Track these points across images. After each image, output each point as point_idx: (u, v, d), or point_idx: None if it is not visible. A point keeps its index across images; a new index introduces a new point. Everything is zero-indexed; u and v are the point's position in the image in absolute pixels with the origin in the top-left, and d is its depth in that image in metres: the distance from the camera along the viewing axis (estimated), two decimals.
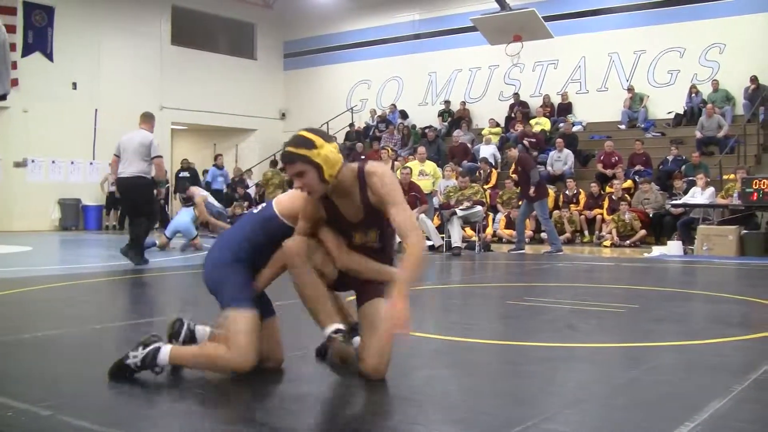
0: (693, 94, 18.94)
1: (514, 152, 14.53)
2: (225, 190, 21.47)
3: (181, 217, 13.77)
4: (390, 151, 19.20)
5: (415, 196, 13.90)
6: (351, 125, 24.80)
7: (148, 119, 10.64)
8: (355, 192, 3.61)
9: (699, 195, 14.50)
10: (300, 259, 3.59)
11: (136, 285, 8.64)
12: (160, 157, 10.50)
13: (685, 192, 15.22)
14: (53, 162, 21.06)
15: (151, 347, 3.62)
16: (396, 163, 17.72)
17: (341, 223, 3.69)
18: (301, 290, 3.66)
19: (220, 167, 20.91)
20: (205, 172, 22.32)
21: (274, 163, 21.82)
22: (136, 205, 10.50)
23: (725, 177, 15.71)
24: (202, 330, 4.02)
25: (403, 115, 23.51)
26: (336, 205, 3.65)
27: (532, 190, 13.56)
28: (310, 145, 3.53)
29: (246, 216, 4.08)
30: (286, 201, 3.85)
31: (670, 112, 19.41)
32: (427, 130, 21.55)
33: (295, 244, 3.63)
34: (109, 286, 8.55)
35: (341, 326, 3.65)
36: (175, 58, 23.91)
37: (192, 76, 23.88)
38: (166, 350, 3.62)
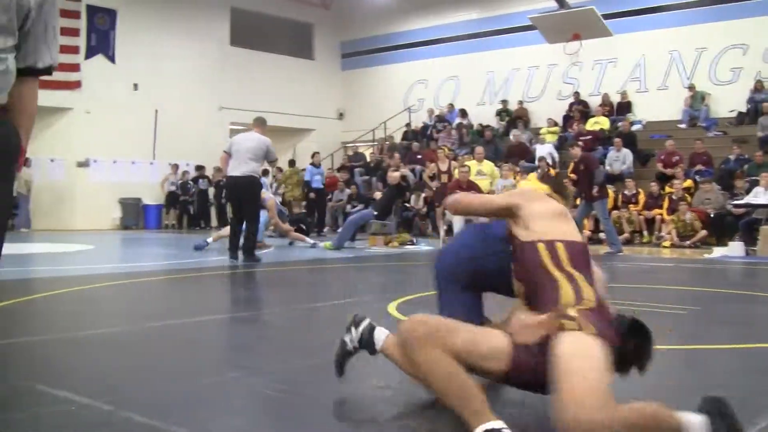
0: (757, 92, 18.57)
1: (577, 150, 14.35)
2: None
3: None
4: (447, 150, 19.15)
5: None
6: (408, 125, 24.80)
7: (261, 123, 11.45)
8: None
9: (762, 195, 14.21)
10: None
11: (194, 283, 8.74)
12: (276, 159, 11.71)
13: (747, 192, 14.94)
14: (114, 162, 21.38)
15: (364, 325, 3.37)
16: (454, 162, 17.70)
17: None
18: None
19: (317, 165, 20.64)
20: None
21: (292, 163, 21.90)
22: (243, 202, 10.87)
23: None
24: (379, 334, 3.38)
25: (463, 113, 23.40)
26: None
27: (595, 189, 13.42)
28: None
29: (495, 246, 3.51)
30: None
31: (732, 111, 19.06)
32: (485, 130, 21.49)
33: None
34: (168, 284, 8.65)
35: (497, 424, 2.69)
36: (234, 59, 24.12)
37: (250, 77, 24.08)
38: (381, 333, 3.32)
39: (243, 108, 23.03)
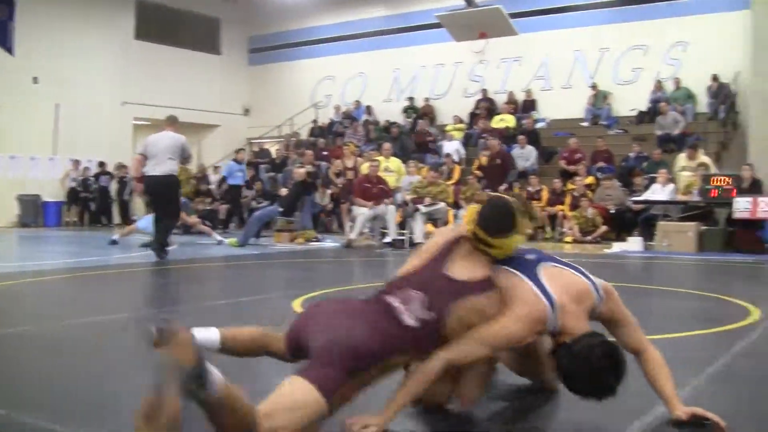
0: (656, 92, 19.11)
1: (495, 143, 14.48)
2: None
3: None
4: (353, 147, 19.18)
5: (382, 189, 14.17)
6: (315, 121, 24.74)
7: (174, 121, 11.26)
8: None
9: (659, 191, 14.65)
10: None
11: (99, 281, 8.58)
12: (190, 156, 11.73)
13: (646, 188, 15.37)
14: (12, 157, 20.78)
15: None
16: (360, 159, 17.74)
17: None
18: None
19: (240, 162, 19.94)
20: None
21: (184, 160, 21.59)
22: (164, 201, 10.80)
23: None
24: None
25: (369, 110, 23.50)
26: None
27: (504, 187, 13.67)
28: None
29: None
30: None
31: (632, 110, 19.56)
32: (391, 127, 21.58)
33: None
34: (72, 282, 8.47)
35: None
36: (139, 53, 23.67)
37: (155, 72, 23.67)
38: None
39: (147, 103, 22.65)
